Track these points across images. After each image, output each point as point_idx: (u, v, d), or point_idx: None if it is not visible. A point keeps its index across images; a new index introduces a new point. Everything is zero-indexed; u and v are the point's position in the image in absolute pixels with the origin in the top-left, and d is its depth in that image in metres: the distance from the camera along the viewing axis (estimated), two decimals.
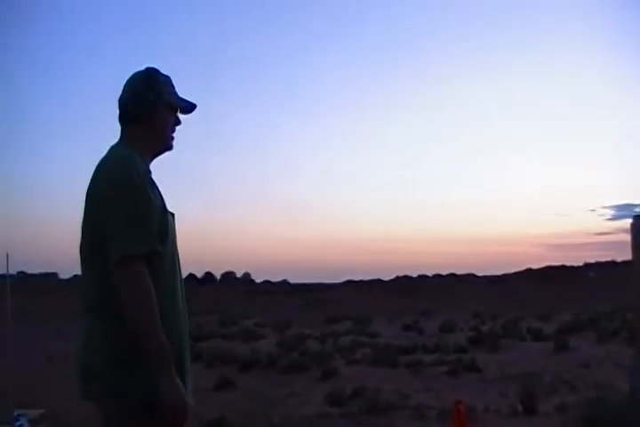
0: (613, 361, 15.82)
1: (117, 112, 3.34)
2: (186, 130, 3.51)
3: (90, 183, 3.16)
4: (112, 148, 3.26)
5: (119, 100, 3.34)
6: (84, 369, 3.08)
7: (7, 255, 11.15)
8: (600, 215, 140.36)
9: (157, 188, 3.22)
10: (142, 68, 3.40)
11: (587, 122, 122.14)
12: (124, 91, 3.33)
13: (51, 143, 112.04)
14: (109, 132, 3.40)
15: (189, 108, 3.48)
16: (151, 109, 3.28)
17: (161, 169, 3.40)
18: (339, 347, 23.29)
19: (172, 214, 3.28)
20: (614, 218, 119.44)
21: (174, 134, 3.44)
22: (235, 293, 76.16)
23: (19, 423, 10.23)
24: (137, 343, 2.89)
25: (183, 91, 3.43)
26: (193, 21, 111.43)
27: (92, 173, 3.18)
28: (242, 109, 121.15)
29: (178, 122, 3.44)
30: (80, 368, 3.10)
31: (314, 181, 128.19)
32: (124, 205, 2.97)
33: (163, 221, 3.11)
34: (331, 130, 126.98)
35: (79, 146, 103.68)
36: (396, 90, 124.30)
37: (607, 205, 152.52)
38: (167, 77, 3.41)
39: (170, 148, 3.42)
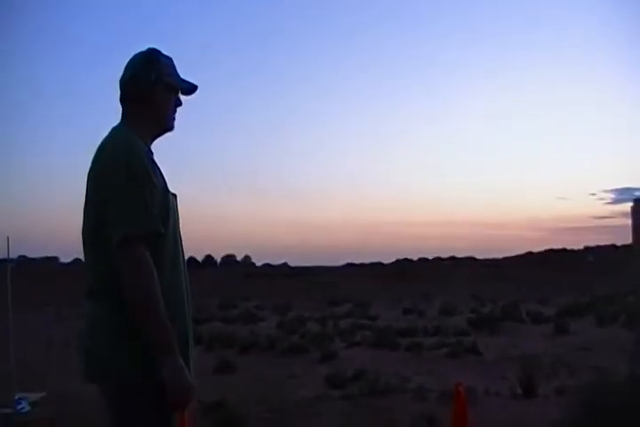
0: (613, 345, 15.81)
1: (118, 93, 3.33)
2: (189, 110, 3.50)
3: (91, 165, 3.16)
4: (113, 129, 3.25)
5: (120, 81, 3.32)
6: (85, 352, 3.08)
7: (8, 239, 11.16)
8: (600, 199, 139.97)
9: (159, 168, 3.22)
10: (144, 48, 3.37)
11: (587, 106, 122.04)
12: (125, 71, 3.32)
13: (51, 126, 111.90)
14: (111, 114, 3.40)
15: (191, 89, 3.46)
16: (151, 90, 3.27)
17: (162, 150, 3.39)
18: (339, 330, 23.33)
19: (174, 195, 3.27)
20: (614, 202, 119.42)
21: (175, 115, 3.42)
22: (235, 275, 76.22)
23: (20, 406, 10.28)
24: (139, 327, 2.89)
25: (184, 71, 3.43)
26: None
27: (92, 155, 3.17)
28: (247, 95, 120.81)
29: (179, 103, 3.42)
30: (82, 351, 3.09)
31: (315, 165, 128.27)
32: (125, 187, 2.96)
33: (164, 202, 3.10)
34: (335, 114, 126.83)
35: (80, 128, 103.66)
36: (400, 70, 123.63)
37: (607, 188, 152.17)
38: (169, 58, 3.40)
39: (171, 128, 3.41)
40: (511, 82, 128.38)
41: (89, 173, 3.14)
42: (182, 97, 3.45)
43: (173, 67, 3.40)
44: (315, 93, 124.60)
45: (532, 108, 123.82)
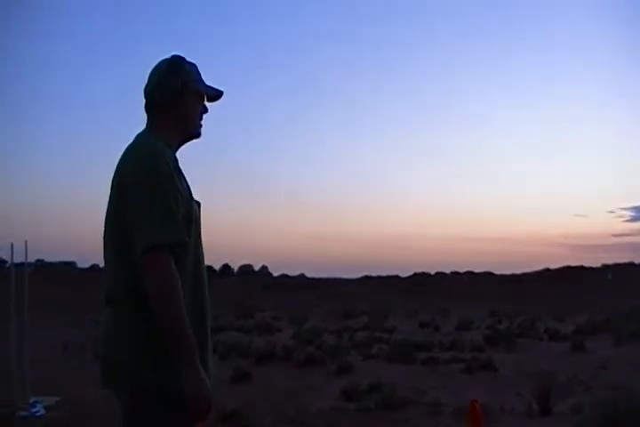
0: (629, 363, 15.76)
1: (143, 101, 3.32)
2: (213, 121, 3.50)
3: (115, 171, 3.14)
4: (138, 135, 3.24)
5: (145, 89, 3.32)
6: (103, 358, 3.07)
7: (26, 243, 11.24)
8: (619, 217, 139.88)
9: (184, 176, 3.22)
10: (168, 55, 3.37)
11: (606, 123, 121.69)
12: (149, 79, 3.31)
13: (70, 132, 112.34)
14: (135, 121, 3.39)
15: (217, 95, 3.45)
16: (178, 98, 3.26)
17: (184, 158, 3.39)
18: (355, 342, 23.30)
19: (198, 203, 3.27)
20: (633, 219, 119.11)
21: (202, 122, 3.42)
22: (252, 286, 76.28)
23: (35, 410, 10.32)
24: (161, 335, 2.88)
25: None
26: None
27: (117, 161, 3.16)
28: (268, 106, 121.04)
29: (205, 110, 3.41)
30: (101, 357, 3.09)
31: (335, 177, 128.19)
32: (151, 194, 2.95)
33: (189, 210, 3.10)
34: (358, 128, 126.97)
35: (101, 133, 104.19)
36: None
37: (626, 206, 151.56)
38: (193, 65, 3.39)
39: (198, 135, 3.41)
40: (529, 96, 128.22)
41: (113, 179, 3.13)
42: (208, 104, 3.44)
43: (198, 73, 3.39)
44: (336, 104, 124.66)
45: (550, 124, 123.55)
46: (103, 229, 3.16)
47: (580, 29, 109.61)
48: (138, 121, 3.31)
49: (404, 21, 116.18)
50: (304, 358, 17.44)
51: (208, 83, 3.44)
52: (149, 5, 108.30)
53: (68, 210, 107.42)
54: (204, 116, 3.44)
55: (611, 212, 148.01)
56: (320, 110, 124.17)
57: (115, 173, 3.13)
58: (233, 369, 14.78)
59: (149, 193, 2.95)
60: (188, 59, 3.37)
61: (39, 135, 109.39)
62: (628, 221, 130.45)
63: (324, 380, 14.67)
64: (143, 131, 3.28)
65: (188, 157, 3.42)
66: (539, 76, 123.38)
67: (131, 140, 3.22)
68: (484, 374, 15.60)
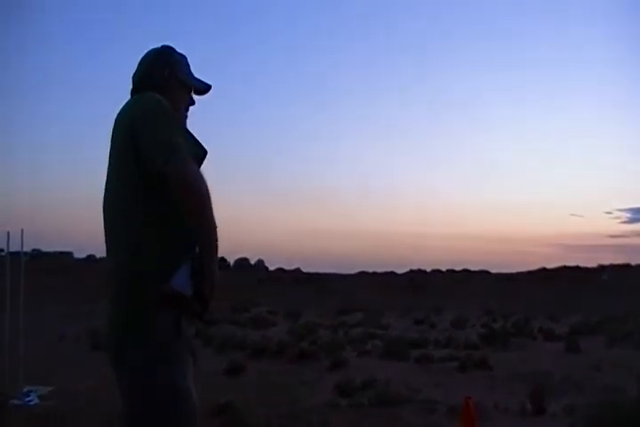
0: (623, 365, 15.76)
1: (130, 87, 3.34)
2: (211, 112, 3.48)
3: (116, 120, 3.16)
4: (134, 96, 3.27)
5: (133, 76, 3.34)
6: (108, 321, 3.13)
7: (22, 231, 11.22)
8: (616, 218, 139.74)
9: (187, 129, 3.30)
10: (158, 45, 3.40)
11: (606, 122, 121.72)
12: (138, 67, 3.34)
13: (68, 123, 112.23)
14: None
15: (204, 88, 3.44)
16: (164, 87, 3.25)
17: None
18: (350, 338, 23.31)
19: (205, 151, 3.27)
20: (630, 221, 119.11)
21: (188, 113, 3.43)
22: (247, 279, 76.25)
23: (29, 399, 10.32)
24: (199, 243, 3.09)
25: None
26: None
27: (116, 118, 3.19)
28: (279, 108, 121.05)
29: (192, 102, 3.42)
30: (115, 333, 3.11)
31: (334, 173, 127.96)
32: (160, 126, 2.96)
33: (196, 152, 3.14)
34: (355, 126, 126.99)
35: (100, 125, 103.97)
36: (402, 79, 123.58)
37: (623, 207, 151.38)
38: (183, 56, 3.40)
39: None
40: (526, 99, 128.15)
41: (114, 128, 3.14)
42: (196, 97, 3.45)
43: (187, 65, 3.41)
44: (332, 101, 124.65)
45: (548, 125, 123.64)
46: (105, 192, 3.17)
47: (581, 30, 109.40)
48: None
49: (419, 24, 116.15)
50: (298, 353, 17.44)
51: (198, 75, 3.45)
52: (151, 6, 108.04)
53: (66, 199, 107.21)
54: (191, 108, 3.45)
55: (608, 213, 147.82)
56: (317, 108, 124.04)
57: (115, 122, 3.15)
58: (227, 362, 14.78)
59: (159, 127, 2.97)
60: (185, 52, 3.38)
61: (37, 126, 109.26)
62: (624, 222, 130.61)
63: (317, 375, 14.65)
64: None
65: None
66: (538, 79, 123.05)
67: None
68: (479, 372, 15.59)
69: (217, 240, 3.08)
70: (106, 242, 3.17)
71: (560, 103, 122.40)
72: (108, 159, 3.16)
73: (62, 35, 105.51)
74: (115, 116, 3.17)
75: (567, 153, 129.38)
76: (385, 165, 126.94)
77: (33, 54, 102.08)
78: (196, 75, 3.43)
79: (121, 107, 3.20)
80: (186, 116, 3.39)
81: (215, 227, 3.02)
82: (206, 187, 2.93)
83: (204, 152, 3.24)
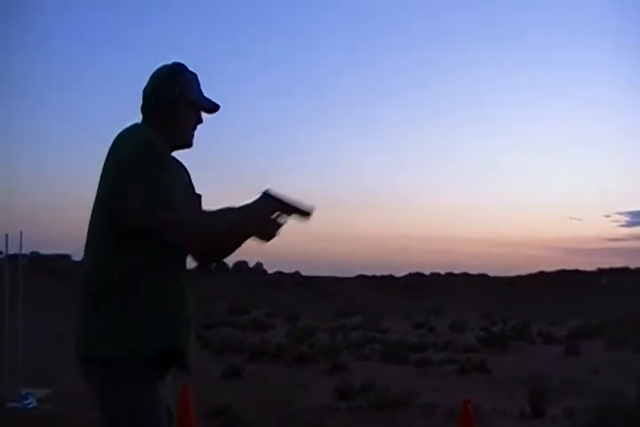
0: (622, 368, 15.76)
1: (141, 101, 3.31)
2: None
3: (108, 153, 3.12)
4: (132, 124, 3.23)
5: (143, 91, 3.31)
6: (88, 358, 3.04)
7: (21, 233, 11.23)
8: (615, 221, 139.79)
9: (184, 167, 3.34)
10: (169, 62, 3.35)
11: (605, 126, 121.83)
12: (148, 82, 3.31)
13: (68, 125, 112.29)
14: (131, 117, 3.37)
15: (213, 108, 3.40)
16: (172, 106, 3.24)
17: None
18: (348, 341, 23.30)
19: (199, 196, 3.30)
20: (629, 224, 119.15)
21: (194, 132, 3.39)
22: (246, 282, 76.26)
23: (27, 402, 10.31)
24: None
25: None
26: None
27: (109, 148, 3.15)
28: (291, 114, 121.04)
29: (199, 121, 3.38)
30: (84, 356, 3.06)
31: (333, 176, 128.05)
32: (145, 175, 2.95)
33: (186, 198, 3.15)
34: (358, 130, 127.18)
35: (100, 127, 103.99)
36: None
37: (622, 211, 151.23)
38: (193, 74, 3.36)
39: (189, 145, 3.39)
40: (527, 101, 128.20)
41: (104, 163, 3.11)
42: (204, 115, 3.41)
43: (197, 83, 3.37)
44: (338, 104, 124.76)
45: (548, 128, 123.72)
46: (91, 218, 3.15)
47: (583, 33, 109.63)
48: (135, 117, 3.30)
49: (423, 25, 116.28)
50: (297, 356, 17.44)
51: (207, 94, 3.40)
52: (153, 6, 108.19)
53: (65, 202, 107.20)
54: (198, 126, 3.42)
55: (607, 216, 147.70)
56: (319, 112, 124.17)
57: (107, 156, 3.12)
58: (226, 365, 14.78)
59: (144, 176, 2.95)
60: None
61: (37, 128, 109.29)
62: (623, 225, 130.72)
63: (316, 378, 14.65)
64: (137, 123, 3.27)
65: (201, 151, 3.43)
66: (539, 81, 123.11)
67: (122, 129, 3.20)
68: (478, 375, 15.59)
69: (236, 232, 3.11)
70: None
71: (561, 105, 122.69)
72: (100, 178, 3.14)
73: (62, 35, 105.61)
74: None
75: (566, 156, 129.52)
76: (384, 168, 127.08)
77: (33, 54, 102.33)
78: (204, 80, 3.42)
79: (119, 133, 3.17)
80: (192, 135, 3.37)
81: (223, 232, 3.07)
82: (195, 230, 2.99)
83: (198, 197, 3.33)
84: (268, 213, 3.14)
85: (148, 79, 3.32)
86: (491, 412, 10.83)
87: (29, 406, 10.30)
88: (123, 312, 2.94)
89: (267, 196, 3.15)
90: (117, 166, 3.01)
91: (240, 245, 3.11)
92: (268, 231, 3.18)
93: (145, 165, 2.97)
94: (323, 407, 11.17)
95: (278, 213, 3.15)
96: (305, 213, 3.21)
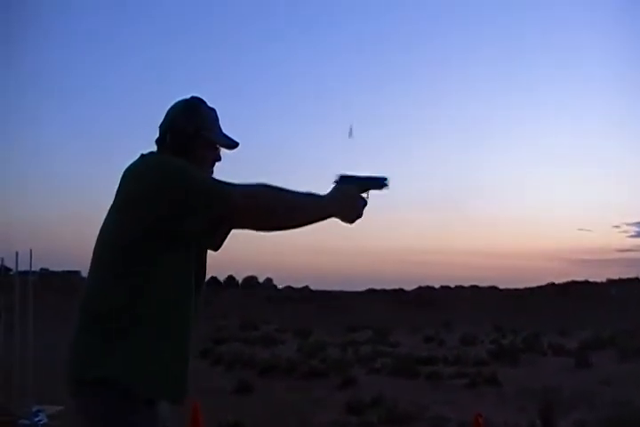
0: (634, 379, 15.72)
1: (156, 135, 3.24)
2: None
3: (125, 185, 3.04)
4: (146, 153, 3.16)
5: (159, 126, 3.24)
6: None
7: (31, 251, 11.26)
8: (624, 232, 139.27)
9: None
10: (188, 96, 3.28)
11: (614, 137, 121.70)
12: (165, 118, 3.24)
13: (77, 140, 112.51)
14: (142, 132, 3.33)
15: (230, 145, 3.33)
16: (188, 144, 3.17)
17: None
18: (359, 356, 23.27)
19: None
20: (638, 235, 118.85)
21: (213, 169, 3.33)
22: (256, 297, 76.23)
23: (37, 419, 10.31)
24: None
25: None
26: None
27: (121, 180, 3.07)
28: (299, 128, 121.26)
29: (218, 158, 3.32)
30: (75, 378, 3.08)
31: None
32: (189, 181, 2.93)
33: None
34: (370, 142, 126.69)
35: (105, 141, 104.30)
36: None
37: (631, 221, 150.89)
38: (211, 110, 3.30)
39: None
40: (535, 114, 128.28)
41: (125, 192, 3.02)
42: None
43: (215, 120, 3.30)
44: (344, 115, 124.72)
45: (555, 139, 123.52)
46: (105, 241, 3.05)
47: (585, 46, 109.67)
48: (146, 129, 3.28)
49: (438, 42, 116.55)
50: (308, 371, 17.43)
51: (225, 129, 3.34)
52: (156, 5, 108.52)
53: (74, 219, 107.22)
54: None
55: (616, 227, 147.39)
56: (328, 125, 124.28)
57: (124, 188, 3.04)
58: (237, 380, 14.78)
59: (188, 182, 2.92)
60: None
61: (45, 142, 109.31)
62: (633, 236, 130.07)
63: (327, 393, 14.64)
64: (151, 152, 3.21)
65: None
66: (544, 94, 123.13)
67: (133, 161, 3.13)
68: (488, 389, 15.56)
69: (311, 209, 3.17)
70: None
71: (568, 117, 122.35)
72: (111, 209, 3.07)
73: (63, 34, 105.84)
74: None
75: (574, 167, 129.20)
76: (391, 181, 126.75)
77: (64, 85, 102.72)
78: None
79: (134, 161, 3.10)
80: (211, 172, 3.28)
81: (299, 207, 3.11)
82: (259, 199, 2.99)
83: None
84: (357, 195, 3.21)
85: (164, 114, 3.25)
86: (502, 425, 10.81)
87: (40, 422, 10.29)
88: (124, 336, 2.89)
89: (345, 179, 3.22)
90: (152, 194, 2.91)
91: (310, 223, 3.15)
92: (355, 212, 3.24)
93: (184, 172, 2.95)
94: (334, 423, 11.16)
95: (365, 193, 3.24)
96: (382, 185, 3.29)
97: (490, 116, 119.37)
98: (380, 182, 3.28)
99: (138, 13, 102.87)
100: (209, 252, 3.21)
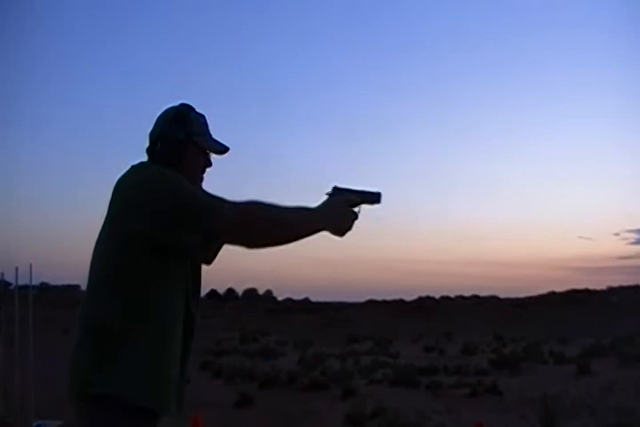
0: (635, 387, 15.69)
1: (146, 144, 3.22)
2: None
3: (115, 198, 3.03)
4: (138, 164, 3.14)
5: (149, 134, 3.23)
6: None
7: (30, 266, 11.25)
8: (624, 239, 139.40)
9: None
10: (176, 103, 3.28)
11: (613, 144, 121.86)
12: (154, 125, 3.23)
13: (77, 153, 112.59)
14: (134, 151, 3.33)
15: (221, 150, 3.32)
16: (179, 151, 3.16)
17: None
18: (359, 366, 23.24)
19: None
20: (638, 242, 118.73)
21: (204, 175, 3.33)
22: (256, 310, 76.15)
23: None
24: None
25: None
26: None
27: (113, 192, 3.05)
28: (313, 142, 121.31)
29: (208, 164, 3.32)
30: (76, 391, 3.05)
31: None
32: (180, 196, 2.91)
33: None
34: (361, 150, 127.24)
35: (103, 155, 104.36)
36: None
37: (631, 228, 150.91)
38: (201, 116, 3.29)
39: None
40: (535, 121, 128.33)
41: (119, 202, 3.00)
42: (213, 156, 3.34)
43: (205, 125, 3.29)
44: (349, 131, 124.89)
45: (555, 147, 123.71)
46: (100, 255, 3.04)
47: (596, 53, 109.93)
48: (143, 137, 3.27)
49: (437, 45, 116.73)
50: (308, 383, 17.40)
51: (215, 135, 3.33)
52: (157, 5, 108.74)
53: (73, 233, 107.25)
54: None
55: (616, 234, 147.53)
56: (332, 138, 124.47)
57: (118, 199, 3.02)
58: (237, 393, 14.75)
59: (182, 198, 2.91)
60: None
61: (44, 154, 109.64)
62: (633, 243, 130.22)
63: (328, 405, 14.62)
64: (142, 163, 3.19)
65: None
66: (546, 101, 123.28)
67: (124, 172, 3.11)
68: (489, 398, 15.54)
69: (302, 223, 3.13)
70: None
71: (568, 125, 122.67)
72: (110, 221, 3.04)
73: (63, 34, 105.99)
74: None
75: (574, 175, 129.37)
76: (390, 193, 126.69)
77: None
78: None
79: (124, 173, 3.09)
80: (202, 178, 3.30)
81: (290, 222, 3.08)
82: (253, 216, 2.95)
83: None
84: (348, 208, 3.21)
85: (154, 122, 3.24)
86: None
87: None
88: (119, 350, 2.88)
89: (338, 191, 3.24)
90: (146, 205, 2.91)
91: (301, 238, 3.11)
92: (345, 225, 3.23)
93: (174, 186, 2.93)
94: None
95: (357, 207, 3.24)
96: (374, 200, 3.30)
97: (491, 123, 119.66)
98: (372, 197, 3.29)
99: (124, 20, 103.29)
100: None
